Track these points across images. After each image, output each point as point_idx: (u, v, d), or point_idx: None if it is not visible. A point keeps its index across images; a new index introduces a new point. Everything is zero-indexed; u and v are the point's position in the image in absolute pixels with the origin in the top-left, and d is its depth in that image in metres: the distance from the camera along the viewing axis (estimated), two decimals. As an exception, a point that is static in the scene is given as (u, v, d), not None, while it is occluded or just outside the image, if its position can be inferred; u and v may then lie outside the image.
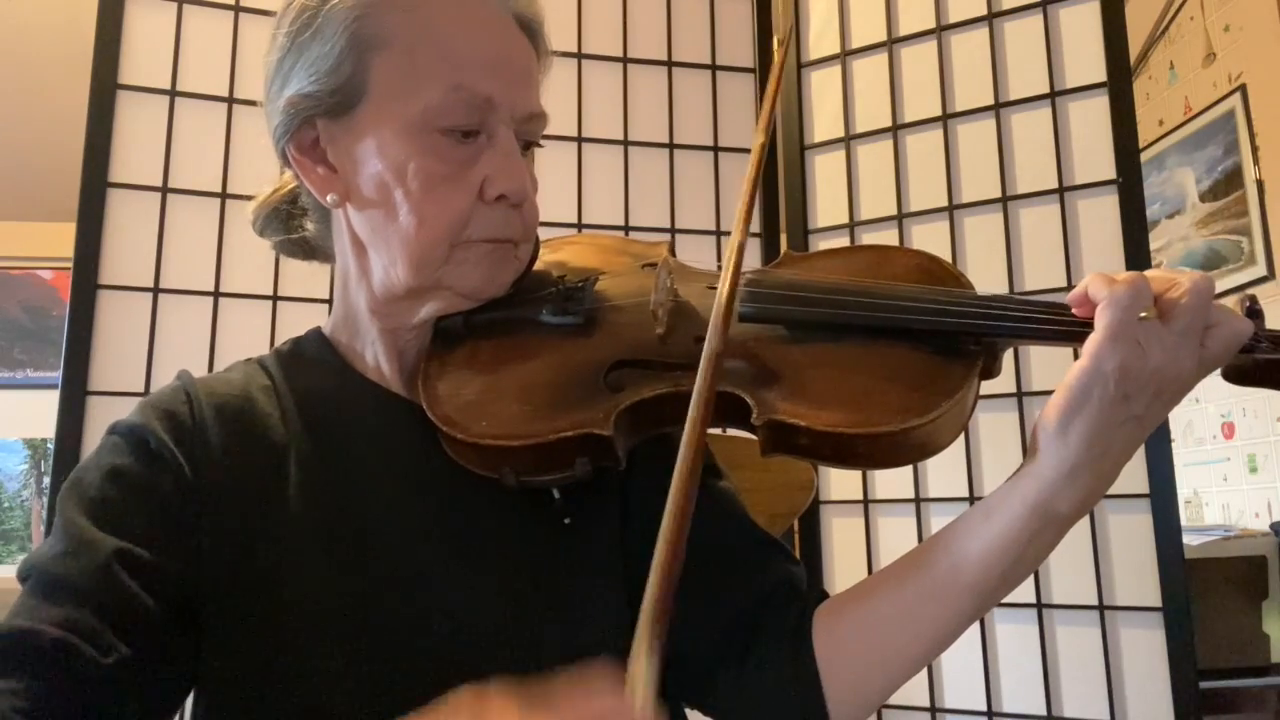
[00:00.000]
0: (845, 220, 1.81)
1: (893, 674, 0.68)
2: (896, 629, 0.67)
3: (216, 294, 1.59)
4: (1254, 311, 0.64)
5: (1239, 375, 0.64)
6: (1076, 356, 0.60)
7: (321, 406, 0.73)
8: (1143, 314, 0.58)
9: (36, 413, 3.57)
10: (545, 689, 0.41)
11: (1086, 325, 0.60)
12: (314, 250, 0.81)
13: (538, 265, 0.78)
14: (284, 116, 0.71)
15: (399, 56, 0.68)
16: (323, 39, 0.68)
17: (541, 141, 0.76)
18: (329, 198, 0.72)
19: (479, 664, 0.65)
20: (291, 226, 0.80)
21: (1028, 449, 0.63)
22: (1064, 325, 0.63)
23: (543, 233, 0.78)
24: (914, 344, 0.67)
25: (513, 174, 0.70)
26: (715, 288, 0.63)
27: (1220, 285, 2.94)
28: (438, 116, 0.67)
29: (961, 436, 1.67)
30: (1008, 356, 0.71)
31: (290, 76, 0.70)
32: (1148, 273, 0.61)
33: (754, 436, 0.66)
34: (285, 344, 0.80)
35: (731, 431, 0.70)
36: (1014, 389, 1.62)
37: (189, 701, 0.67)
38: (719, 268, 0.69)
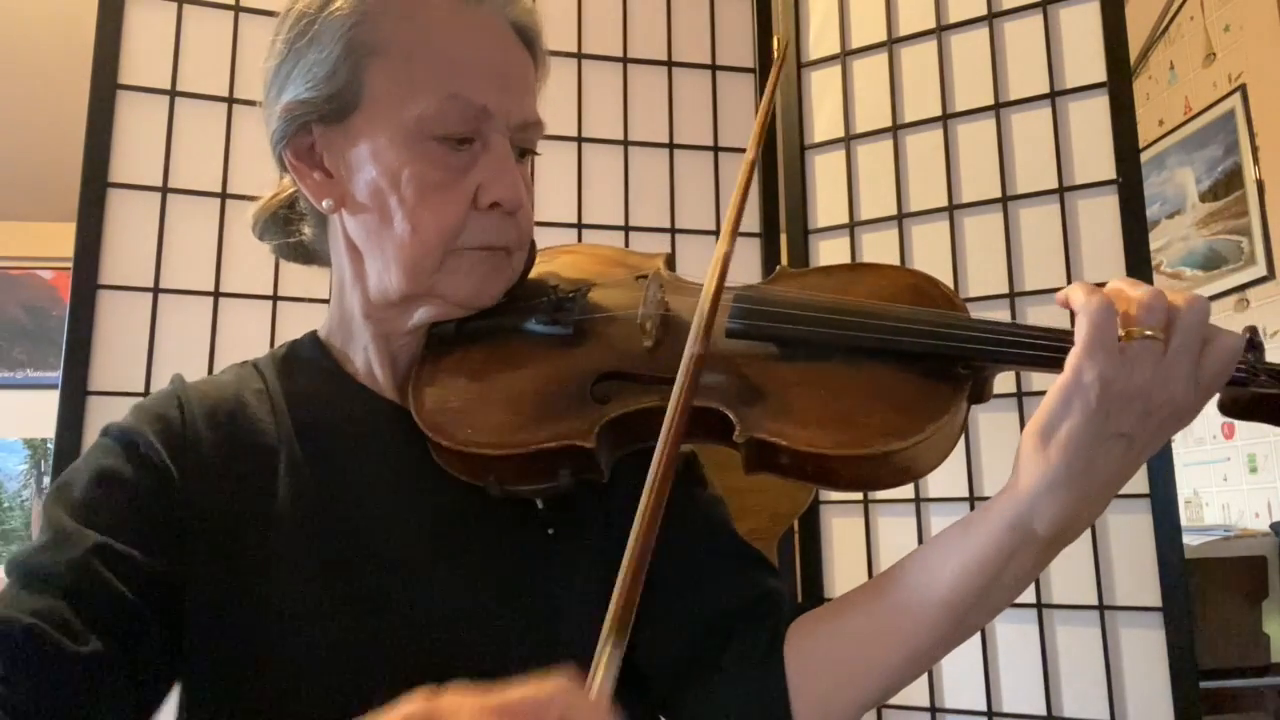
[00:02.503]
0: (845, 220, 1.81)
1: (863, 691, 0.66)
2: (869, 642, 0.65)
3: (216, 294, 1.59)
4: (1253, 344, 0.61)
5: (1235, 408, 0.62)
6: None
7: (313, 410, 0.73)
8: (1149, 333, 0.56)
9: (36, 413, 3.58)
10: (502, 688, 0.40)
11: None
12: (312, 255, 0.81)
13: (533, 274, 0.77)
14: (281, 122, 0.71)
15: (395, 64, 0.68)
16: (319, 45, 0.68)
17: (539, 149, 0.76)
18: (324, 203, 0.72)
19: (459, 669, 0.65)
20: (289, 231, 0.80)
21: (1013, 466, 0.61)
22: (1053, 352, 0.61)
23: (542, 233, 0.78)
24: (902, 365, 0.66)
25: (507, 182, 0.70)
26: None
27: (1220, 285, 2.95)
28: (433, 124, 0.67)
29: (961, 437, 1.68)
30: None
31: (287, 83, 0.70)
32: (1137, 291, 0.58)
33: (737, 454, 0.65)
34: (281, 347, 0.80)
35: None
36: (1014, 389, 1.62)
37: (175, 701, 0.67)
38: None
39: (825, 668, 0.66)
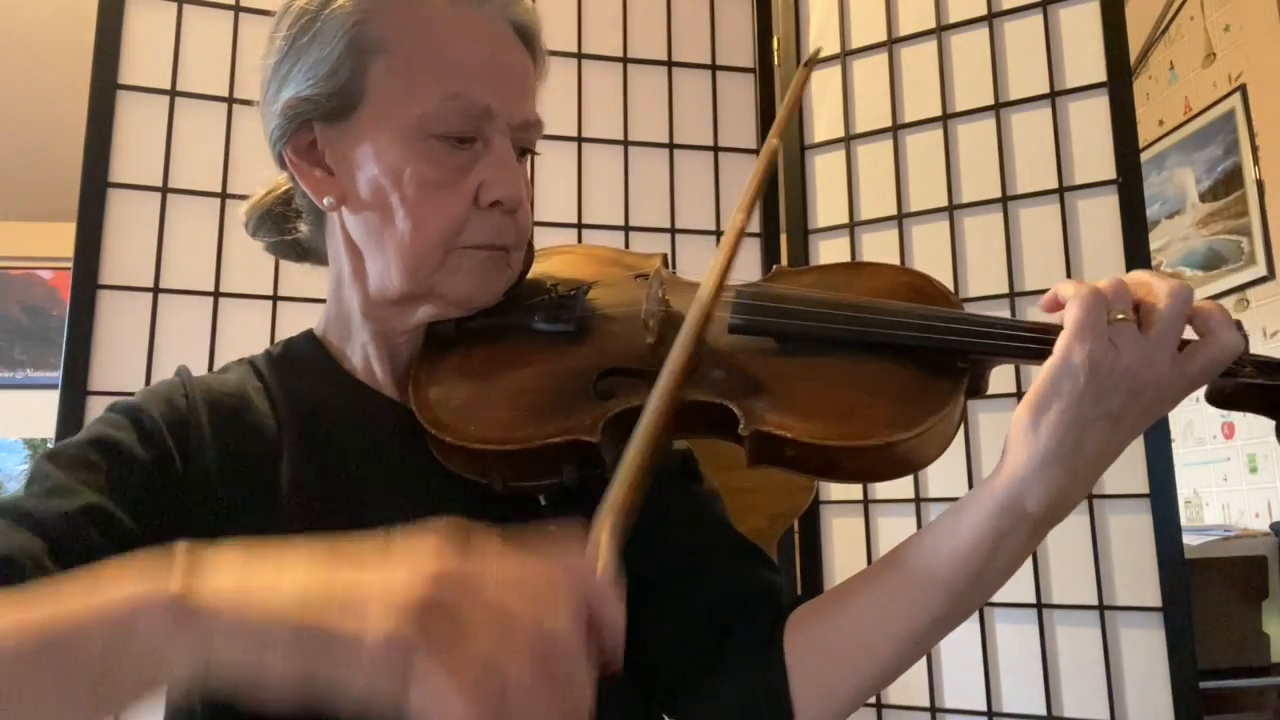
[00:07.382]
0: (845, 220, 1.81)
1: (864, 677, 0.66)
2: (868, 627, 0.66)
3: (216, 294, 1.59)
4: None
5: (1220, 398, 0.64)
6: None
7: (313, 408, 0.73)
8: (1120, 315, 0.58)
9: (36, 413, 3.57)
10: (519, 540, 0.42)
11: None
12: (307, 252, 0.82)
13: (530, 274, 0.78)
14: (281, 119, 0.71)
15: (398, 62, 0.68)
16: (321, 43, 0.68)
17: (538, 148, 0.76)
18: (325, 201, 0.72)
19: None
20: (285, 229, 0.80)
21: (1004, 448, 0.63)
22: (1047, 345, 0.62)
23: (542, 233, 0.78)
24: (901, 360, 0.67)
25: (508, 181, 0.70)
26: None
27: (1220, 285, 2.94)
28: (435, 124, 0.68)
29: (962, 436, 1.68)
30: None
31: (288, 80, 0.70)
32: (1129, 275, 0.62)
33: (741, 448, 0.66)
34: (276, 345, 0.80)
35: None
36: (1014, 389, 1.62)
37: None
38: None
39: (826, 656, 0.67)
